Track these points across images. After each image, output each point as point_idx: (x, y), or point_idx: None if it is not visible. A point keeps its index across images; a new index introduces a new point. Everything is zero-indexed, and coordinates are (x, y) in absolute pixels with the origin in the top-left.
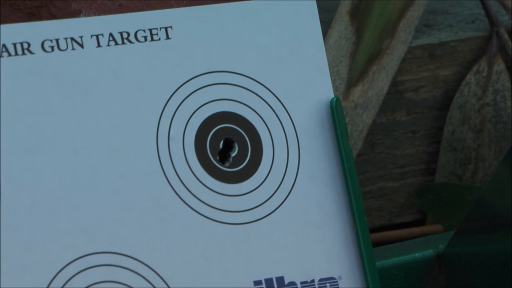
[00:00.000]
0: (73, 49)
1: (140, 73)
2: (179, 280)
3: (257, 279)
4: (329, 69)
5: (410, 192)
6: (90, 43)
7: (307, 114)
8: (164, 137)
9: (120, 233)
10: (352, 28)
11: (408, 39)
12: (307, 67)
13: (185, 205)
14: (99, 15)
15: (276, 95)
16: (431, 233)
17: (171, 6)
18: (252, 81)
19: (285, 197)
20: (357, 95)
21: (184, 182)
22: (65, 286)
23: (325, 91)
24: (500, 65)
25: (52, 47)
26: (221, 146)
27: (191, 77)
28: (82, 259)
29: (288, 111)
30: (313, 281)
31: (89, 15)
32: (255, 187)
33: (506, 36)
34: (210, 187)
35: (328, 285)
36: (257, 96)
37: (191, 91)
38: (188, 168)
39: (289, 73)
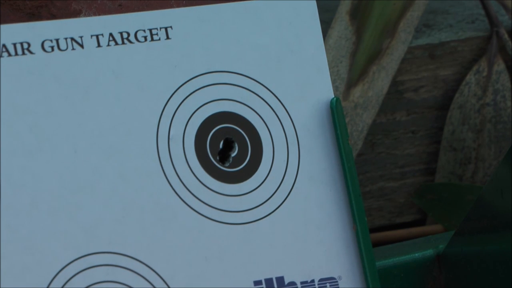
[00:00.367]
0: (73, 49)
1: (140, 73)
2: (179, 280)
3: (257, 279)
4: (329, 69)
5: (410, 192)
6: (90, 43)
7: (307, 114)
8: (164, 137)
9: (120, 233)
10: (352, 28)
11: (408, 39)
12: (307, 67)
13: (185, 205)
14: (99, 15)
15: (276, 95)
16: (431, 233)
17: (171, 6)
18: (252, 81)
19: (285, 197)
20: (357, 95)
21: (184, 182)
22: (65, 286)
23: (325, 91)
24: (500, 65)
25: (52, 47)
26: (221, 146)
27: (191, 77)
28: (82, 259)
29: (288, 111)
30: (313, 281)
31: (89, 15)
32: (255, 187)
33: (506, 36)
34: (210, 187)
35: (328, 285)
36: (257, 96)
37: (191, 91)
38: (188, 168)
39: (289, 73)
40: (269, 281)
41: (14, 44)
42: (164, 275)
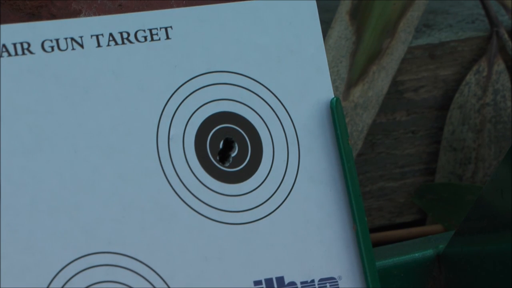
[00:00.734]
0: (73, 49)
1: (140, 73)
2: (179, 280)
3: (257, 279)
4: (329, 69)
5: (410, 192)
6: (90, 43)
7: (307, 114)
8: (164, 137)
9: (120, 233)
10: (352, 28)
11: (408, 39)
12: (307, 67)
13: (185, 205)
14: (99, 15)
15: (276, 95)
16: (431, 233)
17: (171, 6)
18: (252, 81)
19: (285, 197)
20: (357, 95)
21: (184, 182)
22: (65, 286)
23: (325, 91)
24: (500, 65)
25: (52, 47)
26: (221, 146)
27: (191, 77)
28: (82, 259)
29: (288, 111)
30: (313, 281)
31: (89, 15)
32: (255, 187)
33: (506, 36)
34: (210, 187)
35: (328, 285)
36: (257, 96)
37: (191, 91)
38: (188, 168)
39: (289, 73)
40: (269, 281)
41: (14, 44)
42: (164, 275)
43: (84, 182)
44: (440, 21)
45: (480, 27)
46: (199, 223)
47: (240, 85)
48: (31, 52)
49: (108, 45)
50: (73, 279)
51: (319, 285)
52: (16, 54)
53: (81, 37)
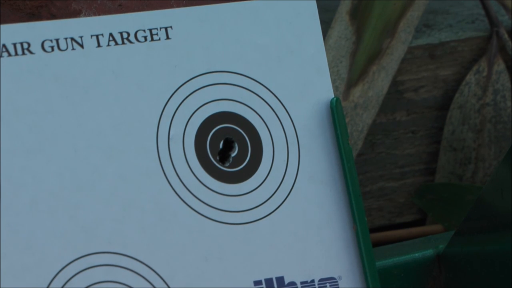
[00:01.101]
0: (73, 49)
1: (140, 73)
2: (179, 280)
3: (257, 279)
4: (329, 69)
5: (410, 192)
6: (90, 43)
7: (307, 114)
8: (164, 137)
9: (120, 233)
10: (352, 28)
11: (408, 39)
12: (307, 67)
13: (185, 205)
14: (99, 15)
15: (276, 95)
16: (431, 233)
17: (171, 6)
18: (252, 81)
19: (285, 197)
20: (357, 95)
21: (184, 182)
22: (65, 286)
23: (325, 91)
24: (500, 65)
25: (52, 47)
26: (221, 146)
27: (191, 77)
28: (82, 259)
29: (288, 111)
30: (313, 281)
31: (89, 15)
32: (255, 187)
33: (506, 36)
34: (210, 187)
35: (328, 285)
36: (257, 96)
37: (191, 91)
38: (188, 168)
39: (289, 73)
40: (269, 281)
41: (14, 44)
42: (164, 275)
43: (84, 182)
44: (440, 21)
45: (480, 27)
46: (199, 223)
47: (240, 85)
48: (31, 52)
49: (108, 45)
50: (73, 279)
51: (319, 285)
52: (16, 54)
53: (81, 37)
